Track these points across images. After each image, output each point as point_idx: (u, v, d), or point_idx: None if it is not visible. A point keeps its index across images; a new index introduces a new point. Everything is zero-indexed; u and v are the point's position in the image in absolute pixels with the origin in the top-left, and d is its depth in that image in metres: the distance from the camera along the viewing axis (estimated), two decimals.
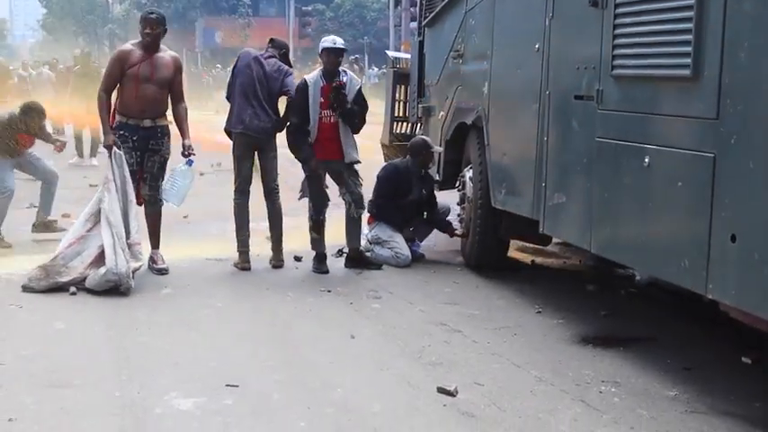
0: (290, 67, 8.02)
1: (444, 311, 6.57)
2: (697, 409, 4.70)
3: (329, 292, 7.09)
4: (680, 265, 4.72)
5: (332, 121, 7.59)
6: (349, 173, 7.74)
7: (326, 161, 7.68)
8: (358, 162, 7.74)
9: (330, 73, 7.60)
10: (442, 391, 4.82)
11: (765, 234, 4.07)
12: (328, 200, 7.83)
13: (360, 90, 7.76)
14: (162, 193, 7.63)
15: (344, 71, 7.77)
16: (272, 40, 8.12)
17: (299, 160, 7.76)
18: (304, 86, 7.58)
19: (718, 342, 5.80)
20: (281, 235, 7.91)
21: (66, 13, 59.60)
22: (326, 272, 7.75)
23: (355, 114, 7.59)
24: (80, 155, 16.10)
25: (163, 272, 7.45)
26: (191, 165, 7.60)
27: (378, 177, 8.39)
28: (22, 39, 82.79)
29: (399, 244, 8.10)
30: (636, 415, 4.62)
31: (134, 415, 4.52)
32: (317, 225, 7.79)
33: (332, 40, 7.69)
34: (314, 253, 7.85)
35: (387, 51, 10.35)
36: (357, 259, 7.92)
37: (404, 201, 8.21)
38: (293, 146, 7.70)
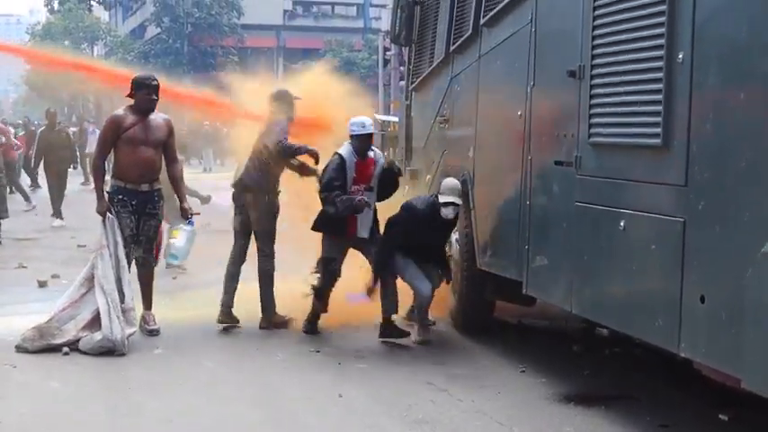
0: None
1: (430, 371, 6.72)
2: None
3: (318, 352, 7.24)
4: (654, 324, 4.91)
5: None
6: (373, 243, 7.63)
7: (350, 238, 7.66)
8: (364, 239, 7.60)
9: (364, 152, 7.62)
10: None
11: (731, 295, 4.26)
12: (339, 276, 7.75)
13: (387, 167, 7.83)
14: (168, 254, 7.82)
15: (373, 148, 7.81)
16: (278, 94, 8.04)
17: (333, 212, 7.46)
18: (341, 162, 7.54)
19: (696, 400, 5.94)
20: (272, 297, 8.04)
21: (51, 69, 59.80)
22: (317, 332, 7.78)
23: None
24: (59, 217, 15.71)
25: (154, 333, 7.58)
26: (192, 225, 7.82)
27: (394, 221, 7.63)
28: (5, 94, 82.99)
29: (416, 277, 7.55)
30: None
31: None
32: (322, 296, 7.76)
33: (360, 124, 7.60)
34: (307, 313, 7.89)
35: (375, 114, 10.62)
36: (390, 328, 7.61)
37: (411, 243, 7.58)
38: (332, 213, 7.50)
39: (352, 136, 7.58)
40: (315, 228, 7.69)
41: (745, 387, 4.22)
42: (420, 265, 7.56)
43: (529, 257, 6.51)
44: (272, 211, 7.99)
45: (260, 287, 8.06)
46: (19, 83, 72.90)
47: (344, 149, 7.60)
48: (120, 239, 7.28)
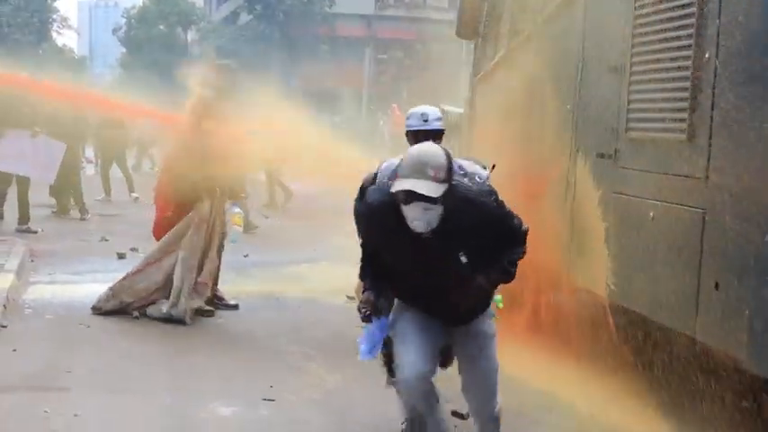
0: None
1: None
2: None
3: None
4: (676, 309, 5.20)
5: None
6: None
7: None
8: None
9: None
10: (455, 414, 5.30)
11: (741, 282, 4.54)
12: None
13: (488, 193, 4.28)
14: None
15: (458, 165, 4.60)
16: None
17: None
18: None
19: None
20: None
21: (146, 53, 60.72)
22: None
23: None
24: (107, 193, 17.02)
25: (234, 307, 8.10)
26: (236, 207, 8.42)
27: None
28: (101, 76, 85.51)
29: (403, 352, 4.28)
30: None
31: (181, 417, 5.18)
32: None
33: (420, 115, 5.08)
34: None
35: (441, 105, 10.97)
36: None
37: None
38: None
39: (408, 133, 5.15)
40: None
41: (746, 368, 4.52)
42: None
43: (572, 246, 6.81)
44: None
45: None
46: (114, 65, 74.87)
47: (385, 166, 5.05)
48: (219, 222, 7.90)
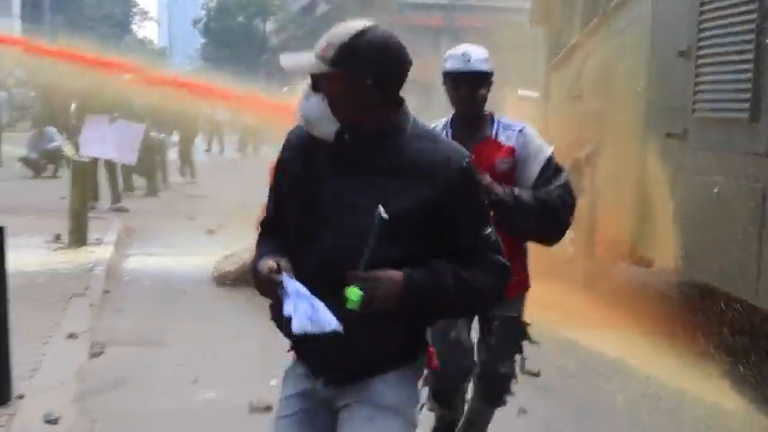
0: None
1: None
2: None
3: None
4: (741, 278, 5.50)
5: None
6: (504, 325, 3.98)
7: None
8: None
9: (468, 120, 3.95)
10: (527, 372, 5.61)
11: None
12: (470, 365, 4.07)
13: (548, 163, 3.85)
14: None
15: (498, 120, 3.96)
16: None
17: None
18: None
19: None
20: None
21: (225, 44, 61.58)
22: None
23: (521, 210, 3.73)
24: (183, 174, 18.50)
25: None
26: None
27: None
28: (181, 67, 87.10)
29: None
30: None
31: (273, 375, 5.60)
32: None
33: (461, 56, 3.85)
34: None
35: (519, 90, 11.25)
36: None
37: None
38: None
39: (445, 78, 3.90)
40: None
41: None
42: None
43: (643, 220, 7.12)
44: None
45: None
46: (194, 56, 76.33)
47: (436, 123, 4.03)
48: None
